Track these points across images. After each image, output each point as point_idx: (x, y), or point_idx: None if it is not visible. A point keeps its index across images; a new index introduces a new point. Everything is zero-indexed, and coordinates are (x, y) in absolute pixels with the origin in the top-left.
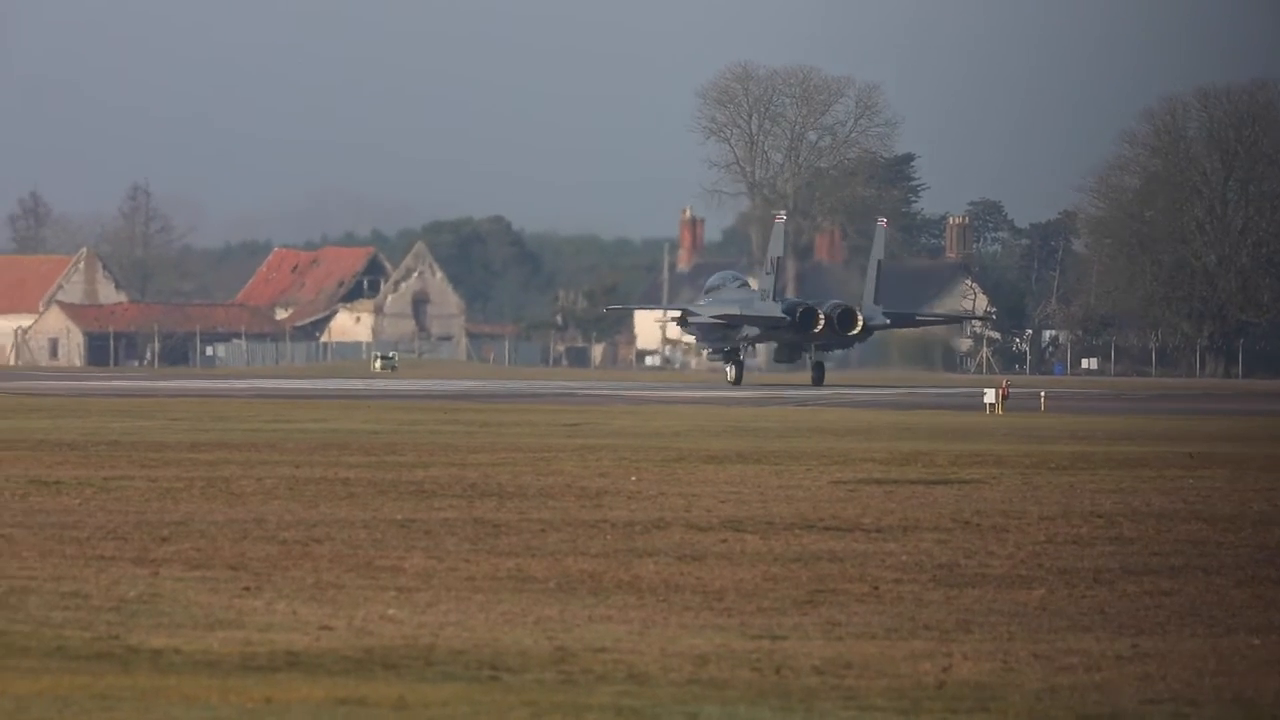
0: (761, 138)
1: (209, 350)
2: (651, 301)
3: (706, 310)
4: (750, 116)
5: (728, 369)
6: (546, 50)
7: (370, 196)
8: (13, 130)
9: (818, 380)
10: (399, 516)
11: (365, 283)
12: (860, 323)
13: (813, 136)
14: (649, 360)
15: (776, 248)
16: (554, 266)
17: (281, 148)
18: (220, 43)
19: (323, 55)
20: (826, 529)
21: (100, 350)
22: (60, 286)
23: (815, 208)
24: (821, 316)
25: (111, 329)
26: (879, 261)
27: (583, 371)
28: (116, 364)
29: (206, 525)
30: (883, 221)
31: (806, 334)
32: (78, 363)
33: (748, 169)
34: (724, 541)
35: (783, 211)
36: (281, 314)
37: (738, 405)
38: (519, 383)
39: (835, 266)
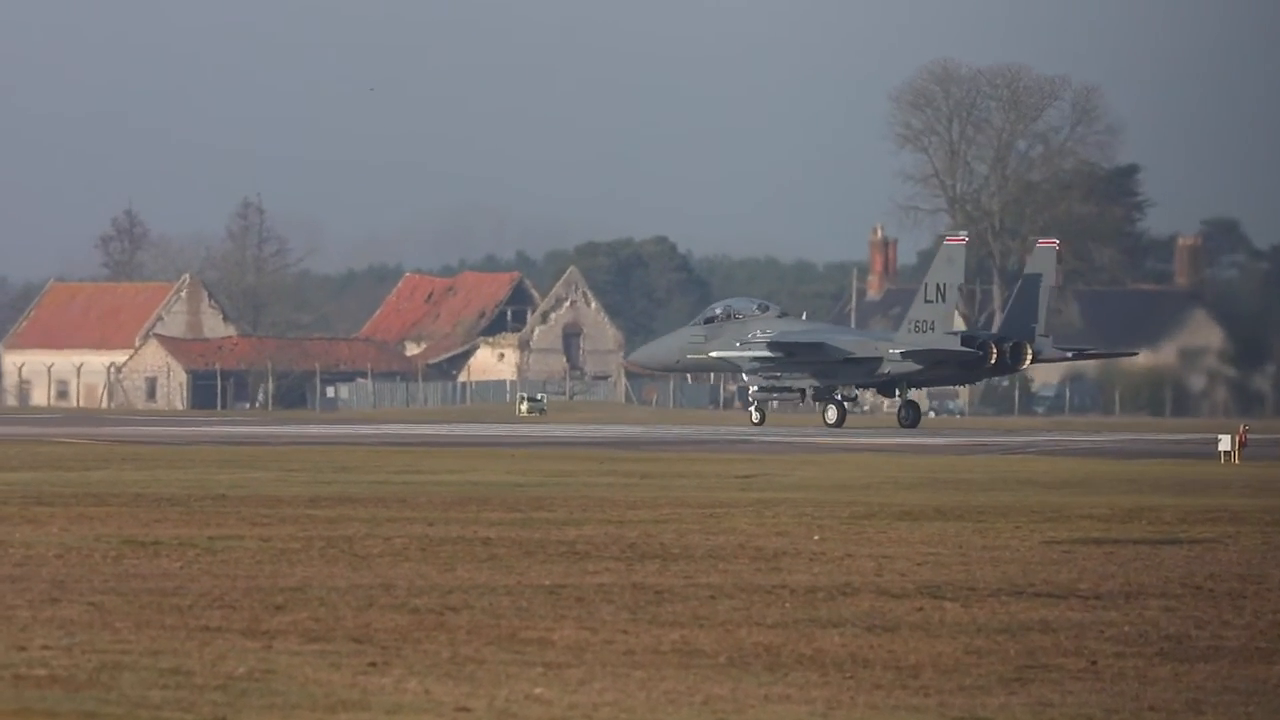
0: (963, 146)
1: (330, 391)
2: None
3: (897, 345)
4: (951, 122)
5: (827, 410)
6: (716, 49)
7: (514, 215)
8: (106, 141)
9: (912, 422)
10: (547, 581)
11: (509, 313)
12: (1029, 355)
13: (1022, 145)
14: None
15: (955, 274)
16: (725, 293)
17: (412, 160)
18: (340, 43)
19: (458, 57)
20: (1037, 595)
21: (205, 391)
22: (159, 318)
23: (1025, 226)
24: (999, 349)
25: (218, 366)
26: (1050, 288)
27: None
28: (224, 407)
29: (327, 592)
30: (1054, 244)
31: (977, 369)
32: (179, 405)
33: (947, 182)
34: (920, 610)
35: (963, 233)
36: (413, 349)
37: (933, 453)
38: (685, 428)
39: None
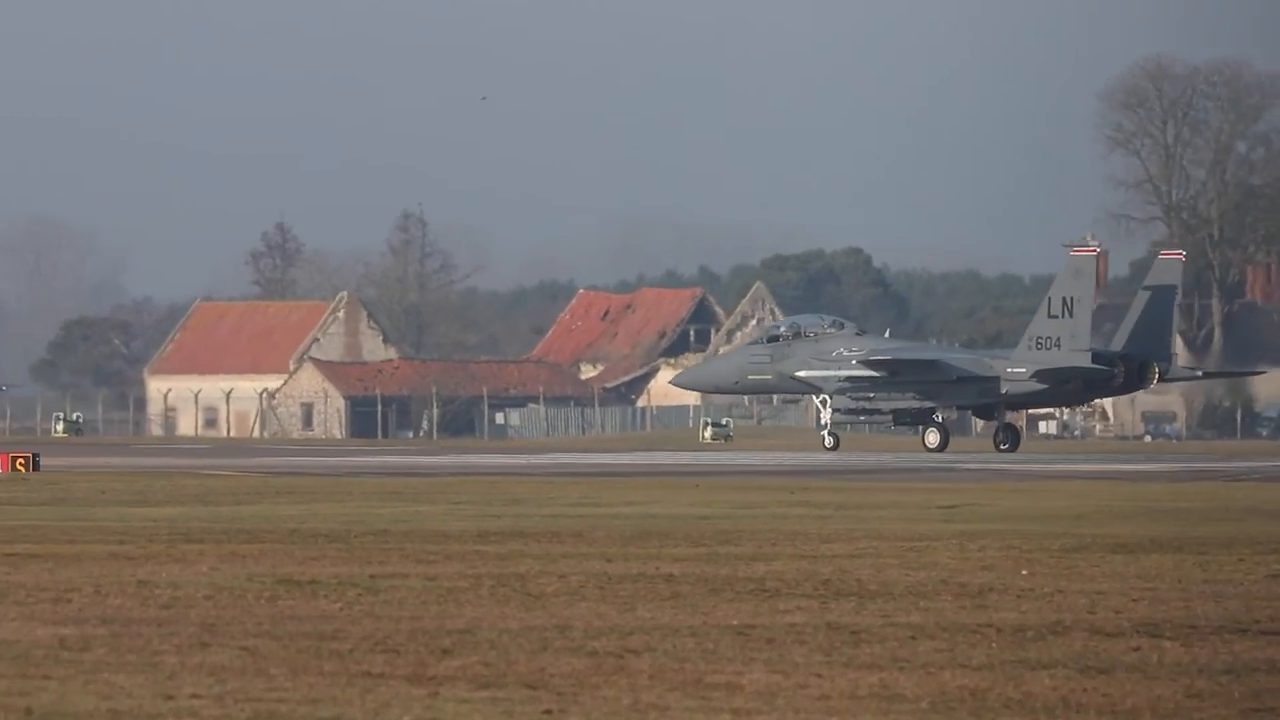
0: (1179, 149)
1: (499, 417)
2: None
3: (1025, 362)
4: (1165, 124)
5: (928, 434)
6: (909, 50)
7: (697, 226)
8: (256, 152)
9: (1013, 445)
10: (735, 621)
11: (692, 332)
12: (1156, 374)
13: (1242, 148)
14: (1042, 426)
15: (1083, 287)
16: (924, 310)
17: (585, 168)
18: (502, 52)
19: (631, 63)
20: (1263, 634)
21: (365, 418)
22: (315, 340)
23: (1246, 236)
24: (1128, 367)
25: (379, 391)
26: (1178, 305)
27: (960, 441)
28: (385, 435)
29: (497, 634)
30: (1180, 255)
31: (1103, 388)
32: (338, 433)
33: (1162, 188)
34: (1136, 650)
35: (1095, 244)
36: (588, 371)
37: (1149, 480)
38: (882, 455)
39: (1273, 308)
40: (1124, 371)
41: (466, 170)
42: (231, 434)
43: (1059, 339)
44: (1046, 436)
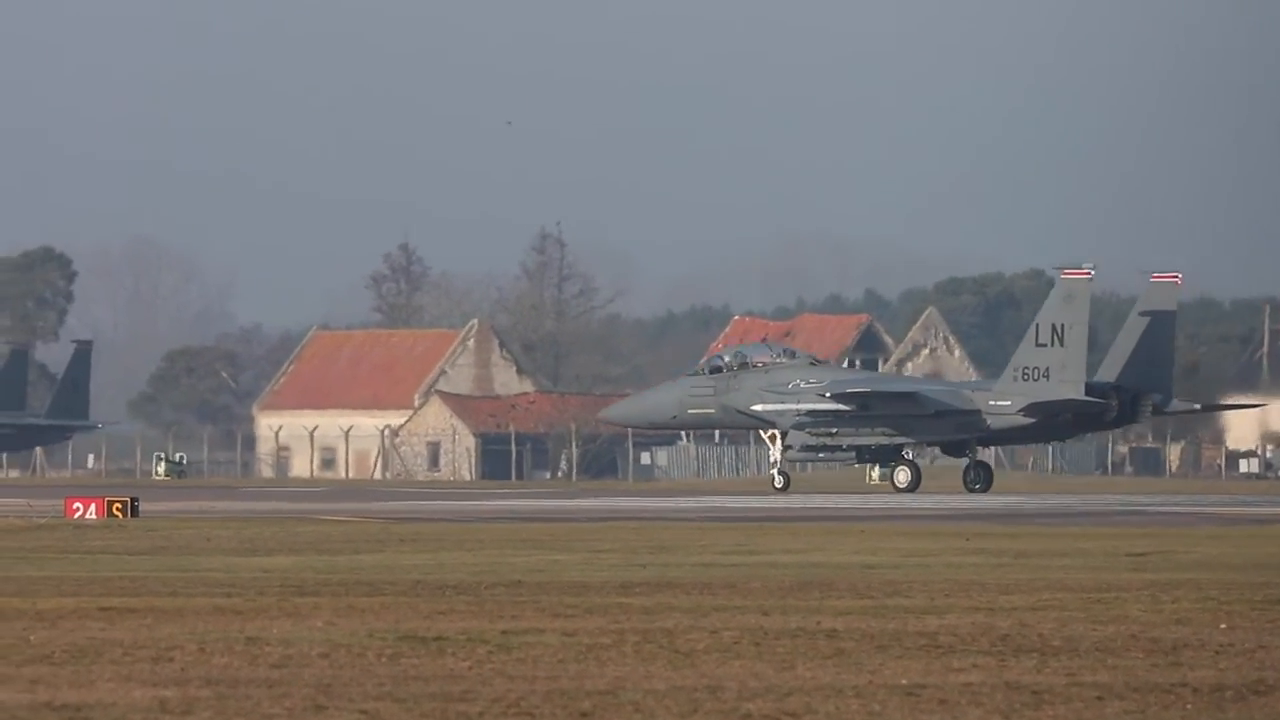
0: None
1: (645, 457)
2: (1247, 385)
3: (1010, 395)
4: None
5: (897, 473)
6: (1103, 58)
7: (861, 247)
8: (377, 168)
9: (986, 485)
10: (904, 681)
11: (858, 363)
12: (1150, 407)
13: None
14: (1243, 465)
15: (1075, 313)
16: (1112, 337)
17: (738, 184)
18: (645, 59)
19: (786, 74)
20: None
21: (497, 457)
22: (443, 372)
23: None
24: (1121, 400)
25: (512, 428)
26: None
27: (1153, 481)
28: (520, 476)
29: (643, 695)
30: (1176, 278)
31: (1095, 423)
32: (467, 474)
33: None
34: None
35: (1088, 264)
36: None
37: None
38: (1066, 497)
39: None
40: (1118, 404)
41: (607, 186)
42: (350, 475)
43: (1048, 369)
44: (1248, 476)
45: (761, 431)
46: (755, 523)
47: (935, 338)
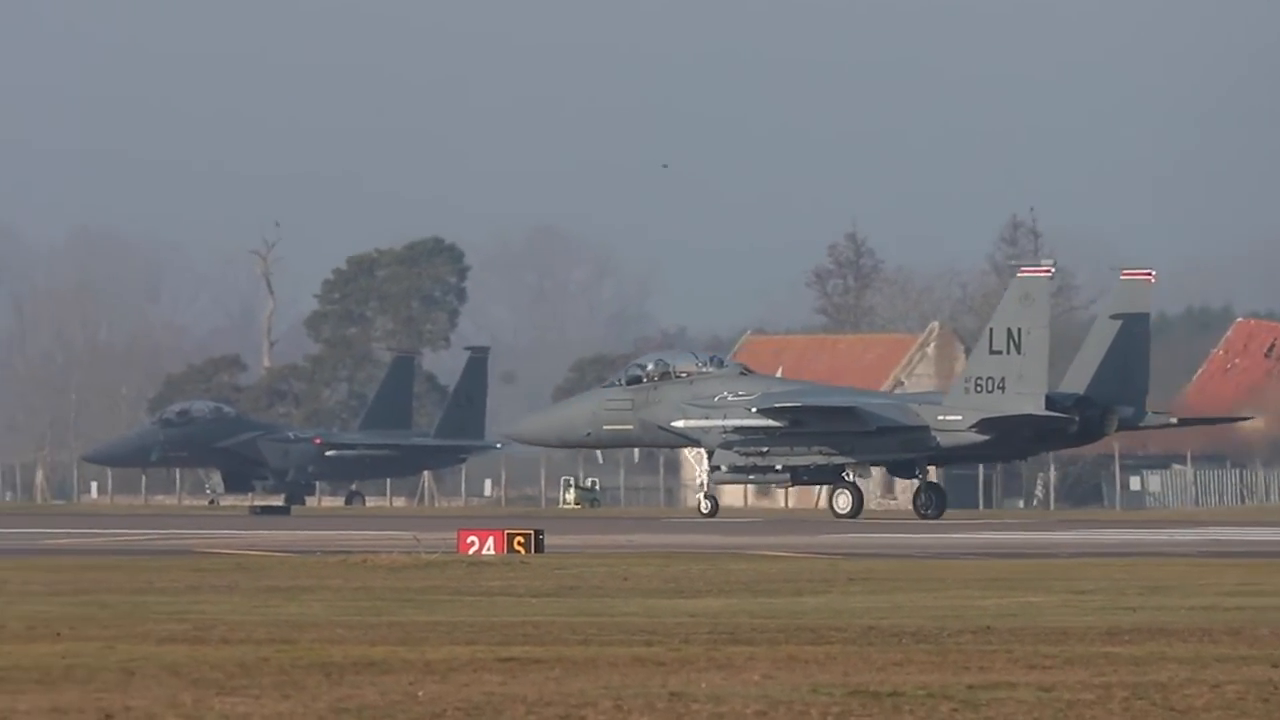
0: None
1: (1134, 481)
2: None
3: (961, 409)
4: None
5: (837, 497)
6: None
7: None
8: (822, 146)
9: (939, 509)
10: None
11: None
12: (1114, 422)
13: None
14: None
15: (1034, 316)
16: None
17: (1236, 164)
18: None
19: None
20: None
21: (963, 484)
22: (899, 382)
23: None
24: (1085, 415)
25: None
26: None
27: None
28: (989, 505)
29: None
30: (1149, 274)
31: (1055, 440)
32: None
33: None
34: None
35: (1048, 261)
36: (1259, 422)
37: None
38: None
39: None
40: (1080, 419)
41: (1085, 163)
42: (790, 505)
43: (1004, 379)
44: None
45: (686, 451)
46: (1264, 558)
47: None
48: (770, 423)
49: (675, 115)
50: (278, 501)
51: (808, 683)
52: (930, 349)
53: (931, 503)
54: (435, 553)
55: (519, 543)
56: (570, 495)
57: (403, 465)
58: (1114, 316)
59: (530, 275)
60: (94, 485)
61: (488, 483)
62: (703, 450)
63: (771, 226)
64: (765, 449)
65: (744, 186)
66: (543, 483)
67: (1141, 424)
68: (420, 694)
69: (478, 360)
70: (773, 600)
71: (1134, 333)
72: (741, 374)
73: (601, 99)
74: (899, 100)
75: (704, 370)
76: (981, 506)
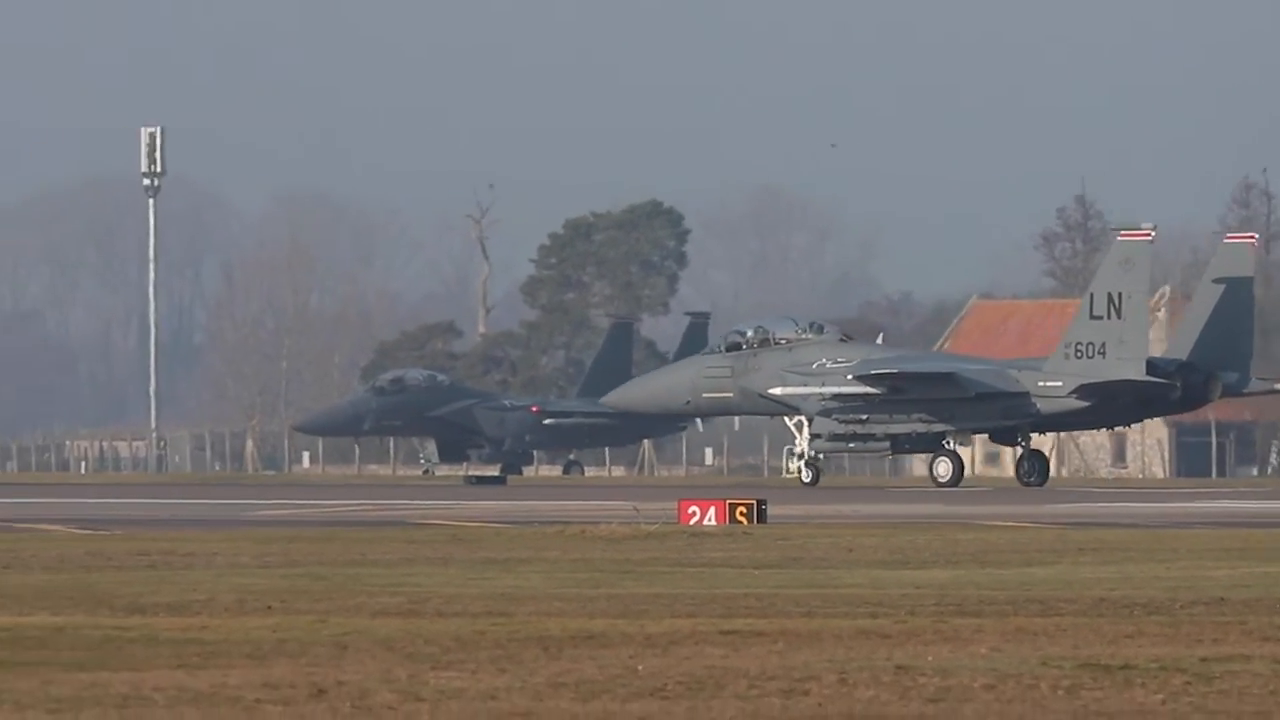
0: None
1: None
2: None
3: (1061, 374)
4: None
5: (937, 464)
6: None
7: None
8: (1049, 109)
9: (1042, 477)
10: None
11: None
12: (1218, 388)
13: None
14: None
15: (1135, 280)
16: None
17: None
18: None
19: None
20: None
21: (1194, 451)
22: None
23: None
24: (1189, 380)
25: (1213, 418)
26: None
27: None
28: (1222, 473)
29: None
30: (1252, 238)
31: (1158, 406)
32: (1159, 471)
33: None
34: None
35: (1148, 224)
36: None
37: None
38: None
39: None
40: (1182, 385)
41: None
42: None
43: (1104, 345)
44: None
45: (787, 419)
46: None
47: None
48: (868, 389)
49: (902, 81)
50: (493, 471)
51: (1036, 655)
52: (1161, 313)
53: (1035, 470)
54: (655, 523)
55: (741, 513)
56: (793, 465)
57: (622, 434)
58: (1216, 280)
59: (751, 240)
60: (305, 455)
61: (709, 451)
62: (803, 418)
63: (999, 189)
64: (865, 416)
65: (972, 149)
66: (764, 452)
67: (1246, 390)
68: (640, 668)
69: (698, 326)
70: (1001, 571)
71: (1238, 297)
72: (841, 340)
73: (828, 65)
74: (1130, 63)
75: (804, 337)
76: (1214, 474)
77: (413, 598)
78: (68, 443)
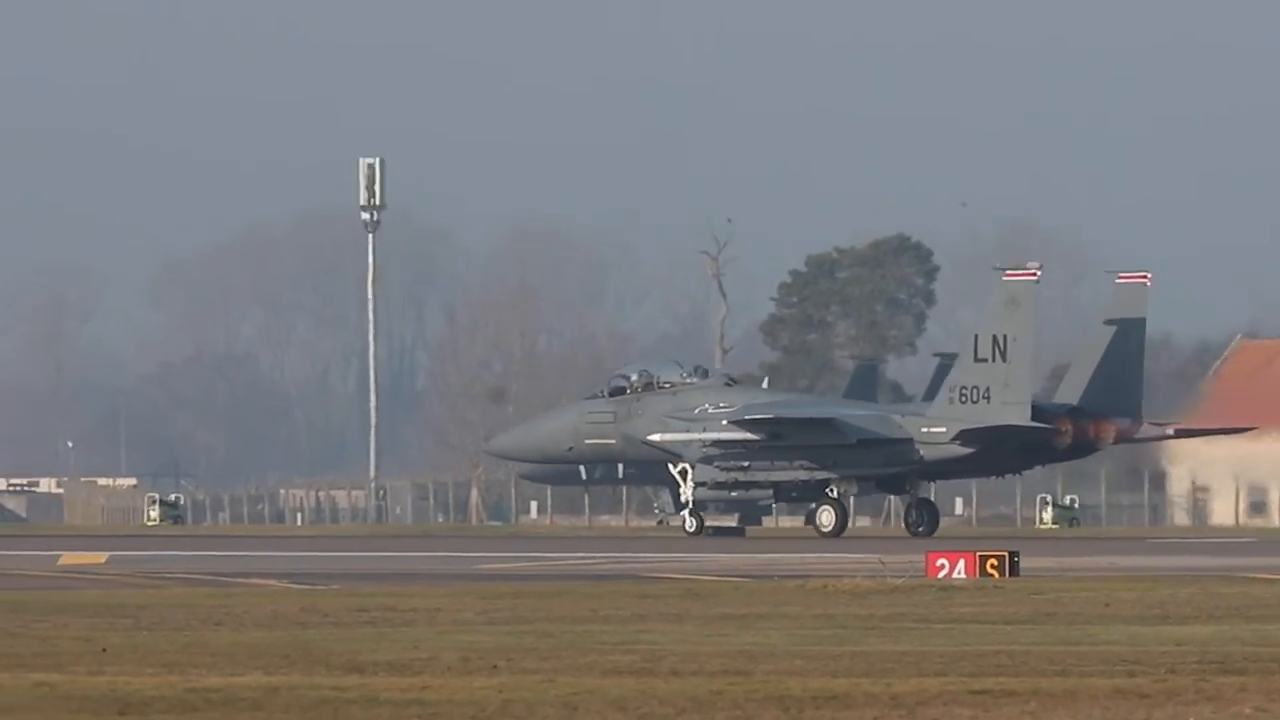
0: None
1: None
2: None
3: (945, 420)
4: None
5: (820, 513)
6: None
7: None
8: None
9: (931, 527)
10: None
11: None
12: (1112, 433)
13: None
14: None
15: (1019, 321)
16: None
17: None
18: None
19: None
20: None
21: None
22: None
23: None
24: (1078, 426)
25: None
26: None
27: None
28: None
29: None
30: (1145, 277)
31: (1044, 453)
32: None
33: None
34: None
35: (1033, 264)
36: None
37: None
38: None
39: None
40: (1072, 431)
41: None
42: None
43: (989, 389)
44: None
45: (671, 466)
46: None
47: None
48: (748, 435)
49: (1159, 111)
50: (731, 522)
51: None
52: None
53: (923, 520)
54: (902, 577)
55: (992, 565)
56: (1047, 514)
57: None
58: (1108, 322)
59: None
60: (533, 505)
61: (958, 500)
62: (686, 465)
63: (1264, 222)
64: (746, 463)
65: (1230, 183)
66: (1017, 501)
67: (1136, 436)
68: None
69: (946, 367)
70: (1267, 627)
71: (1129, 339)
72: (727, 385)
73: (1081, 94)
74: None
75: (688, 381)
76: None
77: (646, 656)
78: (282, 492)
